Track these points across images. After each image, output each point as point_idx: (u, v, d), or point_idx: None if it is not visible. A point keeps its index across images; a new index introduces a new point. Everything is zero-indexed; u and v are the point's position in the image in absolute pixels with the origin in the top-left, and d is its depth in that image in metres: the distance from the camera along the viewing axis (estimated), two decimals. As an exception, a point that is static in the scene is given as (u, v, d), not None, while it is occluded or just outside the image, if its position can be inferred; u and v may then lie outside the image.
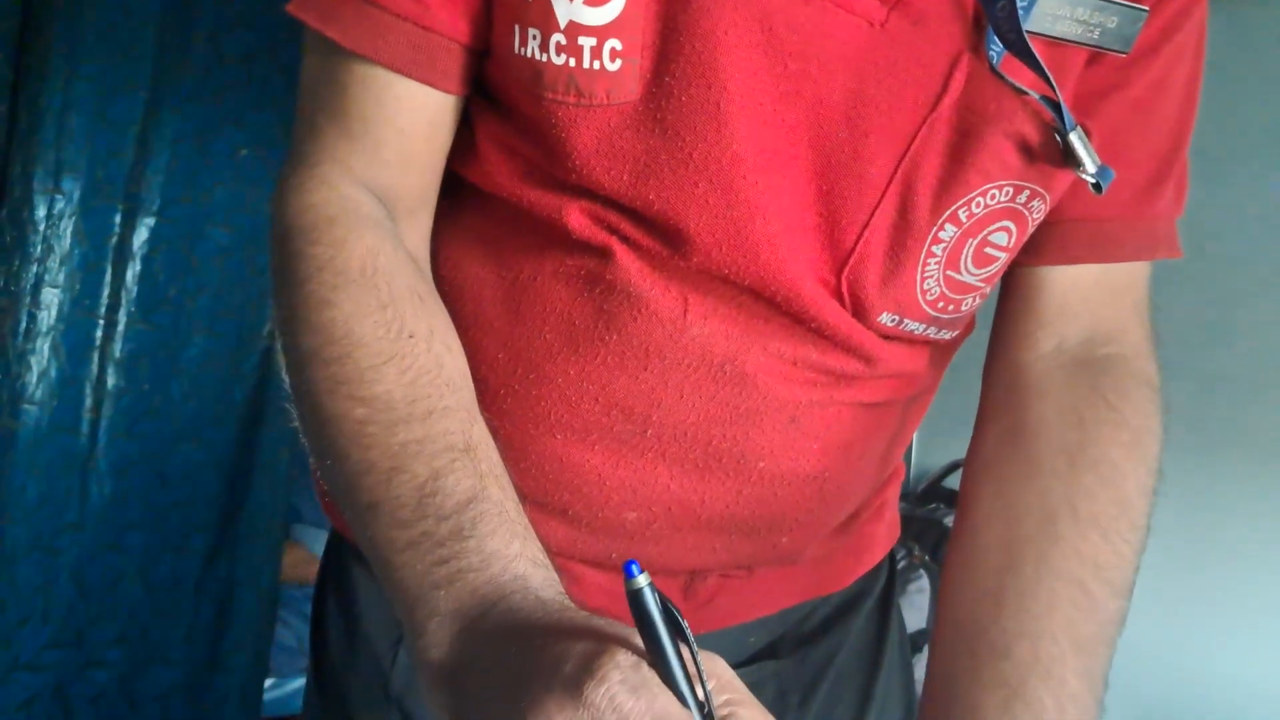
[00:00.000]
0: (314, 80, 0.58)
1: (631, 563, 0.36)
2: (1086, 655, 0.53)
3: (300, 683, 1.90)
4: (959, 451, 0.66)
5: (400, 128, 0.56)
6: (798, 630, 0.74)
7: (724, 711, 0.36)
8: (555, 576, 0.45)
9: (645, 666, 0.36)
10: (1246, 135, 1.64)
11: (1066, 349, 0.63)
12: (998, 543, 0.58)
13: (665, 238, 0.56)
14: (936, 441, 2.02)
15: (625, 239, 0.56)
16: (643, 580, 0.36)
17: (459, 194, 0.62)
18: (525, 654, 0.38)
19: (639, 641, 0.37)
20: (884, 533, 0.77)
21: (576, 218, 0.56)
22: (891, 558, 0.80)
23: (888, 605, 0.79)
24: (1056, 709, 0.51)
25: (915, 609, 1.74)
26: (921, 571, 1.76)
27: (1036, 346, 0.64)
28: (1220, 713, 1.61)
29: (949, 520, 1.85)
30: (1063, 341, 0.64)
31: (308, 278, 0.52)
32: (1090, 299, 0.64)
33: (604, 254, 0.57)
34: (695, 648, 0.36)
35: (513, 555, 0.44)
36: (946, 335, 0.64)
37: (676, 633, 0.36)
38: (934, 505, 1.94)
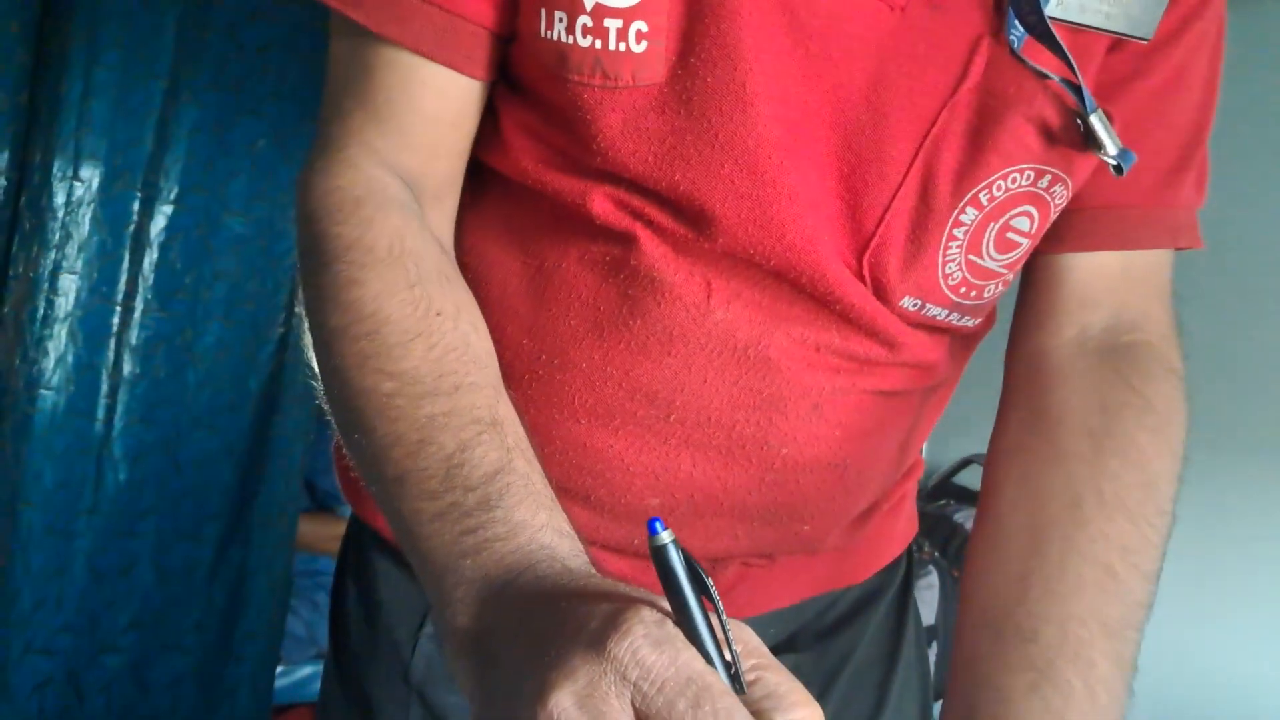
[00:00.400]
0: (341, 64, 0.58)
1: (655, 520, 0.36)
2: (1115, 639, 0.53)
3: (308, 670, 1.91)
4: (970, 448, 0.66)
5: (426, 112, 0.56)
6: (816, 623, 0.74)
7: (751, 676, 0.36)
8: (580, 546, 0.45)
9: (669, 623, 0.35)
10: (1264, 127, 1.64)
11: (1090, 336, 0.63)
12: (1023, 527, 0.58)
13: (690, 220, 0.56)
14: (947, 438, 2.01)
15: (649, 223, 0.56)
16: (666, 537, 0.36)
17: (483, 182, 0.62)
18: (550, 616, 0.38)
19: (664, 604, 0.36)
20: (903, 526, 0.77)
21: (601, 203, 0.56)
22: (909, 552, 0.80)
23: (905, 599, 0.79)
24: (1086, 692, 0.51)
25: (924, 605, 1.74)
26: (931, 568, 1.76)
27: (1059, 333, 0.64)
28: (1234, 704, 1.61)
29: (959, 516, 1.85)
30: (1086, 329, 0.64)
31: (336, 257, 0.53)
32: (1113, 287, 0.63)
33: (628, 240, 0.57)
34: (721, 608, 0.36)
35: (539, 525, 0.44)
36: (969, 322, 0.64)
37: (701, 590, 0.36)
38: (944, 501, 1.94)
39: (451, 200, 0.61)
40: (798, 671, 0.73)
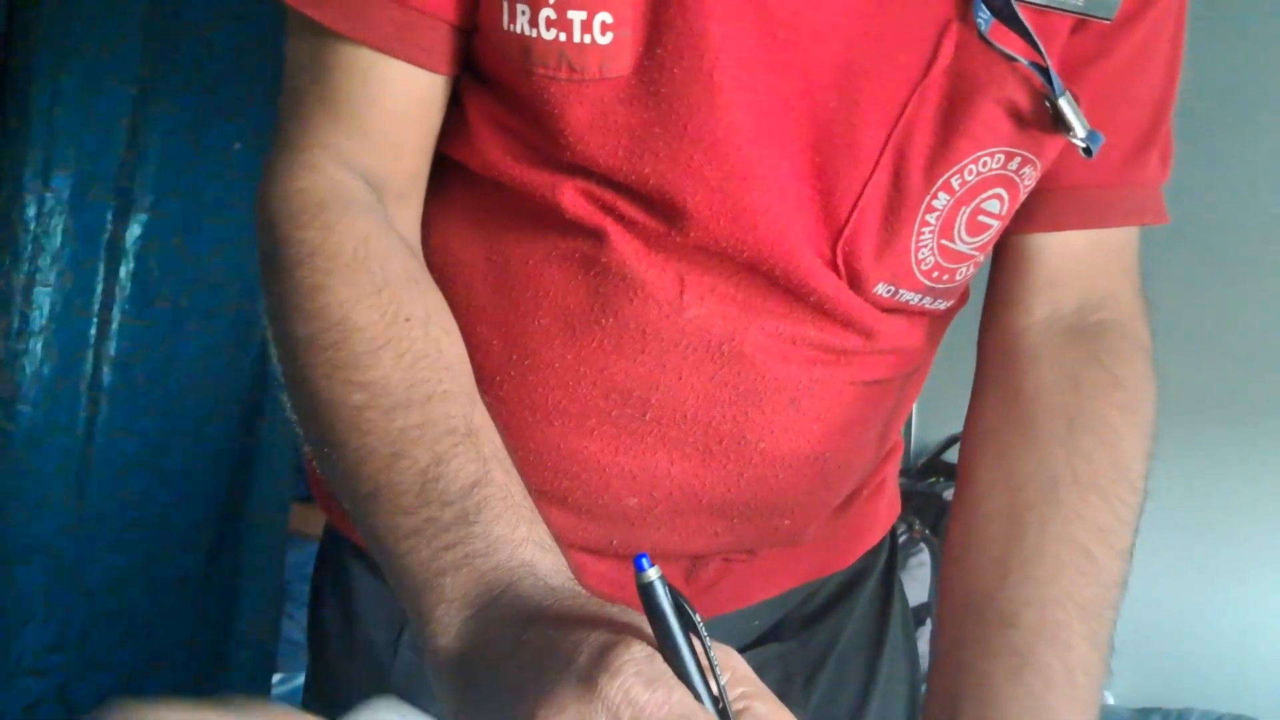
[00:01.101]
0: (298, 63, 0.57)
1: (642, 556, 0.36)
2: (1093, 619, 0.53)
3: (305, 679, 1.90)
4: (957, 425, 0.66)
5: (388, 110, 0.55)
6: (801, 611, 0.74)
7: (739, 705, 0.36)
8: (563, 560, 0.45)
9: (660, 659, 0.35)
10: (1232, 102, 1.64)
11: (1060, 315, 0.64)
12: (1000, 510, 0.58)
13: (661, 213, 0.55)
14: (934, 416, 2.02)
15: (620, 218, 0.56)
16: (653, 574, 0.35)
17: (447, 176, 0.61)
18: (536, 643, 0.38)
19: (650, 632, 0.36)
20: (885, 509, 0.77)
21: (570, 197, 0.55)
22: (893, 534, 0.80)
23: (890, 581, 0.79)
24: (1066, 675, 0.51)
25: (917, 583, 1.75)
26: (922, 545, 1.76)
27: (1030, 314, 0.64)
28: (1217, 671, 1.63)
29: (948, 494, 1.86)
30: (1056, 308, 0.64)
31: (298, 263, 0.51)
32: (1082, 266, 0.64)
33: (598, 236, 0.56)
34: (708, 641, 0.36)
35: (519, 540, 0.44)
36: (942, 305, 0.64)
37: (688, 626, 0.36)
38: (933, 479, 1.95)
39: (417, 199, 0.60)
40: (783, 660, 0.73)
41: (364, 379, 0.48)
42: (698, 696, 0.35)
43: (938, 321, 0.67)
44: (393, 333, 0.49)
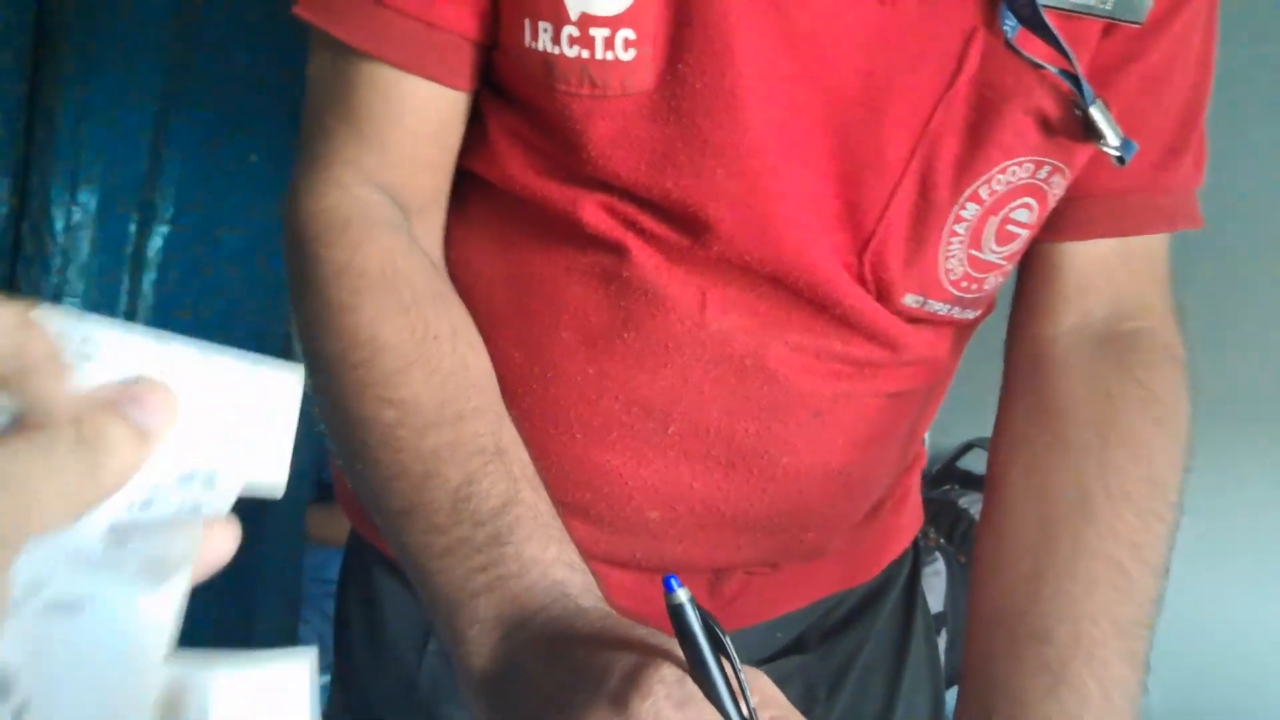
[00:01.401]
0: (321, 80, 0.57)
1: (671, 577, 0.36)
2: (1128, 638, 0.52)
3: (324, 680, 1.90)
4: (972, 432, 0.66)
5: (409, 126, 0.56)
6: (824, 623, 0.74)
7: None
8: (593, 580, 0.45)
9: (689, 681, 0.36)
10: (1261, 102, 1.63)
11: (1091, 324, 0.63)
12: (1032, 523, 0.57)
13: (684, 227, 0.55)
14: (949, 423, 1.99)
15: (641, 232, 0.56)
16: (683, 595, 0.36)
17: (468, 191, 0.61)
18: (568, 665, 0.38)
19: (681, 654, 0.37)
20: (908, 520, 0.77)
21: (592, 211, 0.55)
22: (915, 545, 0.80)
23: (913, 592, 0.78)
24: (1102, 694, 0.50)
25: (932, 592, 1.73)
26: (937, 554, 1.75)
27: (1060, 323, 0.63)
28: (1239, 671, 1.61)
29: (964, 501, 1.85)
30: (1086, 317, 0.63)
31: (327, 282, 0.52)
32: (1113, 274, 0.63)
33: (619, 250, 0.56)
34: (738, 663, 0.36)
35: (550, 560, 0.44)
36: (970, 315, 0.64)
37: (718, 647, 0.36)
38: (948, 486, 1.93)
39: (439, 214, 0.61)
40: (806, 672, 0.73)
41: (395, 396, 0.49)
42: (727, 718, 0.35)
43: (963, 332, 0.66)
44: (422, 351, 0.50)
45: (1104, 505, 0.56)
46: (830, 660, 0.73)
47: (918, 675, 0.76)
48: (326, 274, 0.52)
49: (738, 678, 0.36)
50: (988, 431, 0.66)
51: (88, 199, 1.63)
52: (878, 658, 0.75)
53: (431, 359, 0.50)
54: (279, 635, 1.76)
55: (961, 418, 0.76)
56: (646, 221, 0.55)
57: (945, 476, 1.97)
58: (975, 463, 1.94)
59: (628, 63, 0.51)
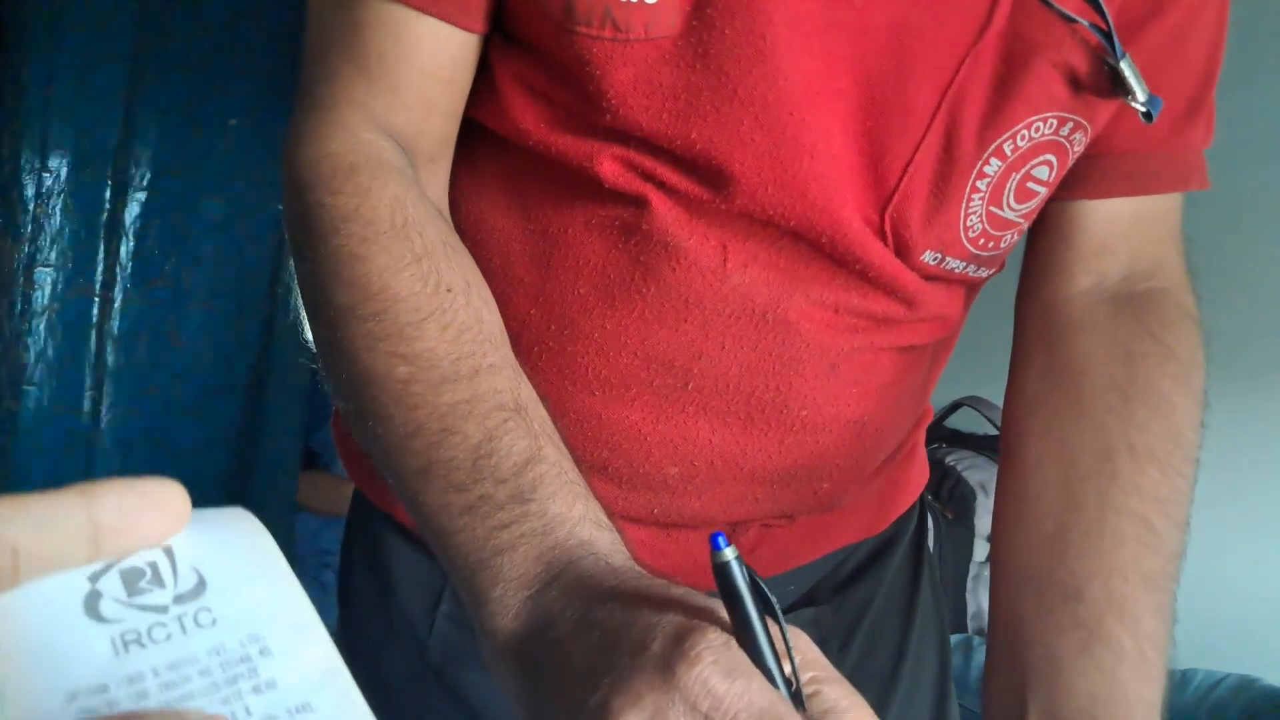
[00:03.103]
0: (325, 21, 0.55)
1: (718, 534, 0.35)
2: (1156, 591, 0.53)
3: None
4: (960, 391, 0.66)
5: (420, 68, 0.54)
6: (835, 576, 0.74)
7: (810, 690, 0.35)
8: (619, 539, 0.44)
9: (735, 646, 0.34)
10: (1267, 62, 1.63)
11: (1106, 285, 0.63)
12: (1054, 482, 0.57)
13: (707, 179, 0.54)
14: (938, 382, 2.01)
15: (661, 185, 0.55)
16: (730, 554, 0.35)
17: (476, 143, 0.60)
18: (605, 624, 0.37)
19: (723, 614, 0.36)
20: (916, 474, 0.78)
21: (609, 165, 0.54)
22: (922, 499, 0.80)
23: (920, 546, 0.79)
24: (1135, 648, 0.51)
25: (922, 549, 1.76)
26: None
27: (1075, 283, 0.63)
28: (1221, 632, 1.64)
29: (951, 459, 1.87)
30: (1102, 277, 0.63)
31: (334, 230, 0.50)
32: (1129, 233, 0.63)
33: (639, 203, 0.55)
34: (784, 623, 0.35)
35: (576, 518, 0.43)
36: (984, 273, 0.64)
37: (764, 606, 0.35)
38: (936, 445, 1.95)
39: (445, 162, 0.59)
40: (818, 624, 0.73)
41: (409, 351, 0.47)
42: (771, 680, 0.34)
43: (973, 290, 0.66)
44: (435, 303, 0.48)
45: (1128, 462, 0.56)
46: (843, 612, 0.74)
47: (926, 625, 0.77)
48: (333, 222, 0.50)
49: (784, 637, 0.35)
50: (975, 390, 0.66)
51: (58, 165, 1.59)
52: (888, 609, 0.75)
53: (446, 312, 0.48)
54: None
55: (949, 377, 0.76)
56: (667, 174, 0.54)
57: (933, 435, 1.99)
58: (963, 421, 1.96)
59: (652, 5, 0.49)
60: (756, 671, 0.34)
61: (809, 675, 0.36)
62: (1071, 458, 0.57)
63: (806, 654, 0.36)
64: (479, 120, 0.59)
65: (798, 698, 0.35)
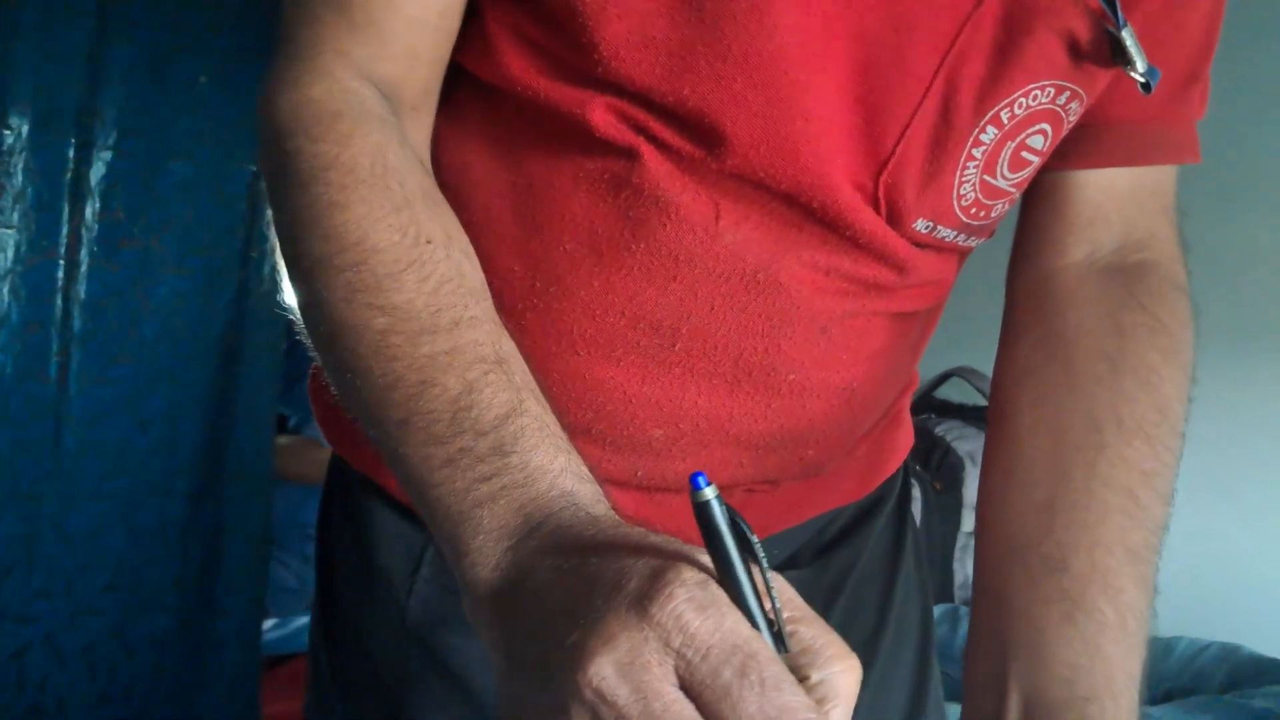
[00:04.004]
0: None
1: (699, 474, 0.34)
2: (1140, 563, 0.54)
3: (303, 621, 1.90)
4: (950, 361, 0.65)
5: (408, 16, 0.53)
6: (818, 540, 0.74)
7: (787, 629, 0.35)
8: (601, 492, 0.43)
9: (713, 584, 0.34)
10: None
11: (1099, 256, 0.63)
12: (1043, 453, 0.58)
13: (699, 137, 0.53)
14: (927, 352, 2.02)
15: (653, 138, 0.53)
16: (710, 492, 0.34)
17: (462, 91, 0.58)
18: (582, 571, 0.36)
19: (703, 559, 0.35)
20: (901, 439, 0.77)
21: (601, 114, 0.53)
22: (905, 464, 0.80)
23: (903, 511, 0.79)
24: (1118, 619, 0.52)
25: (909, 516, 1.78)
26: (913, 481, 1.79)
27: (1068, 254, 0.63)
28: (1205, 599, 1.66)
29: (940, 429, 1.88)
30: (1095, 248, 0.63)
31: (313, 178, 0.49)
32: (1123, 204, 0.63)
33: (630, 155, 0.54)
34: (763, 559, 0.35)
35: (558, 470, 0.42)
36: (975, 242, 0.63)
37: (743, 546, 0.35)
38: (925, 415, 1.96)
39: (429, 112, 0.57)
40: (800, 587, 0.73)
41: (387, 303, 0.46)
42: (752, 620, 0.34)
43: (963, 258, 0.66)
44: (415, 255, 0.47)
45: (1115, 435, 0.56)
46: (825, 576, 0.74)
47: (908, 590, 0.77)
48: (312, 170, 0.49)
49: (764, 577, 0.35)
50: (964, 361, 0.66)
51: (19, 123, 1.55)
52: (870, 573, 0.75)
53: (425, 264, 0.47)
54: (247, 576, 1.74)
55: (939, 347, 0.76)
56: (659, 129, 0.53)
57: (922, 405, 2.01)
58: (952, 392, 1.97)
59: None
60: (732, 607, 0.34)
61: (785, 614, 0.35)
62: (1061, 428, 0.58)
63: (783, 593, 0.36)
64: (466, 67, 0.57)
65: (779, 638, 0.35)
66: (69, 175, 1.59)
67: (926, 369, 2.04)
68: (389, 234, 0.47)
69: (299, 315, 0.51)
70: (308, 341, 0.51)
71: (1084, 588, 0.53)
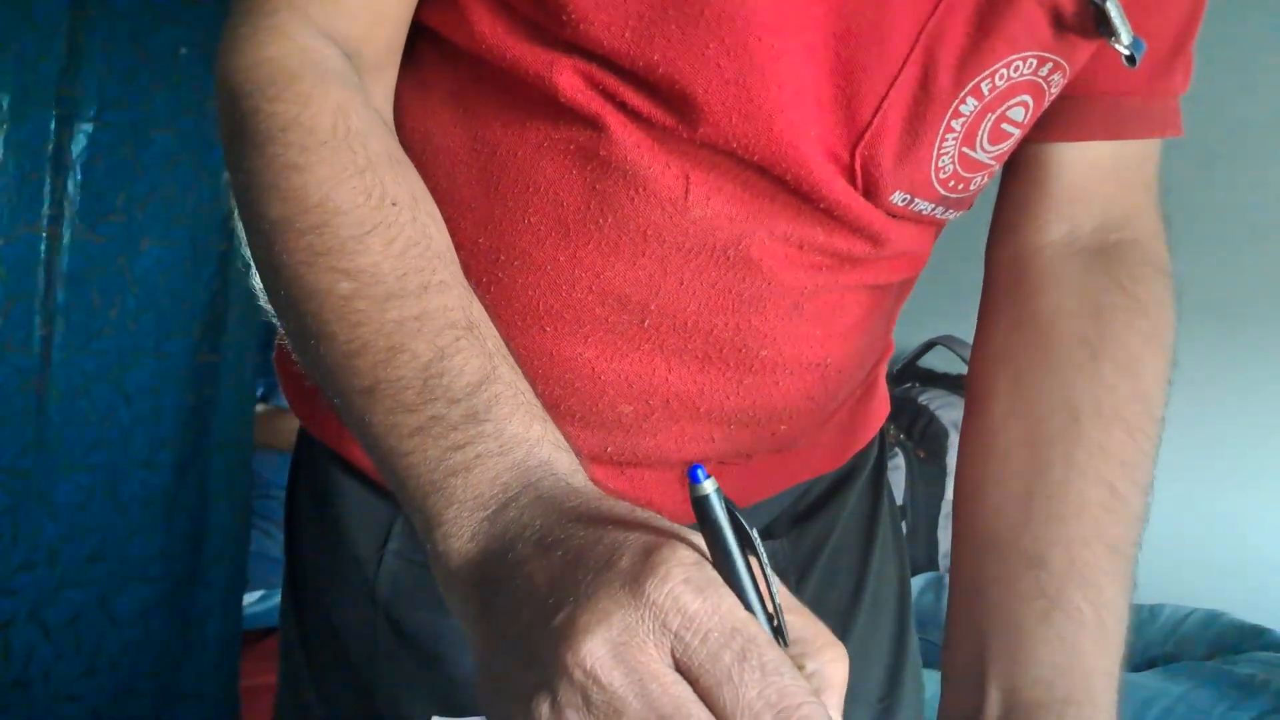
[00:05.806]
0: None
1: (697, 467, 0.34)
2: (1119, 557, 0.53)
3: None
4: (933, 330, 0.65)
5: None
6: (793, 510, 0.74)
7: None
8: (578, 461, 0.42)
9: (708, 565, 0.33)
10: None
11: (1079, 235, 0.62)
12: (1020, 442, 0.57)
13: (669, 105, 0.52)
14: (910, 322, 2.02)
15: (622, 106, 0.52)
16: (709, 486, 0.34)
17: (424, 52, 0.56)
18: (568, 543, 0.35)
19: (694, 539, 0.34)
20: (876, 409, 0.77)
21: (568, 78, 0.51)
22: (882, 433, 0.80)
23: (879, 480, 0.79)
24: (1096, 617, 0.51)
25: (893, 486, 1.78)
26: (897, 450, 1.79)
27: (1047, 231, 0.62)
28: (1188, 566, 1.67)
29: (924, 399, 1.88)
30: (1075, 226, 0.62)
31: (271, 139, 0.47)
32: (1105, 179, 0.62)
33: (597, 125, 0.53)
34: (763, 554, 0.34)
35: (535, 439, 0.41)
36: (951, 215, 0.62)
37: (742, 539, 0.34)
38: (910, 384, 1.96)
39: (391, 72, 0.56)
40: (775, 558, 0.73)
41: (351, 266, 0.44)
42: (749, 609, 0.33)
43: (940, 228, 0.65)
44: (379, 217, 0.45)
45: (1094, 424, 0.55)
46: (800, 545, 0.73)
47: (885, 559, 0.77)
48: (270, 130, 0.47)
49: (764, 570, 0.34)
50: (948, 330, 0.65)
51: (-1, 94, 1.53)
52: (846, 542, 0.75)
53: (391, 226, 0.45)
54: (231, 548, 1.74)
55: (923, 316, 0.76)
56: (629, 96, 0.52)
57: (906, 374, 2.00)
58: (936, 360, 1.96)
59: None
60: (728, 590, 0.33)
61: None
62: (1038, 416, 0.57)
63: (776, 587, 0.35)
64: (430, 25, 0.56)
65: (779, 632, 0.34)
66: (50, 147, 1.57)
67: (910, 338, 2.04)
68: (352, 196, 0.45)
69: (260, 279, 0.50)
70: (269, 306, 0.49)
71: (1062, 585, 0.52)
